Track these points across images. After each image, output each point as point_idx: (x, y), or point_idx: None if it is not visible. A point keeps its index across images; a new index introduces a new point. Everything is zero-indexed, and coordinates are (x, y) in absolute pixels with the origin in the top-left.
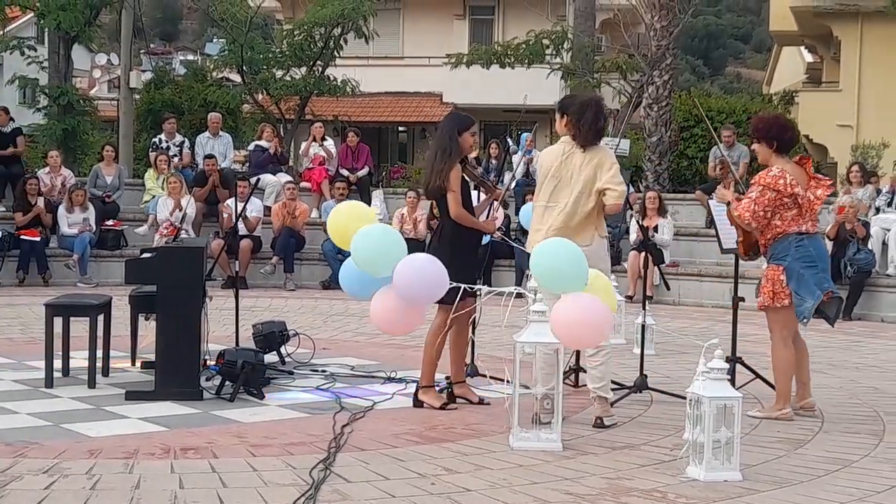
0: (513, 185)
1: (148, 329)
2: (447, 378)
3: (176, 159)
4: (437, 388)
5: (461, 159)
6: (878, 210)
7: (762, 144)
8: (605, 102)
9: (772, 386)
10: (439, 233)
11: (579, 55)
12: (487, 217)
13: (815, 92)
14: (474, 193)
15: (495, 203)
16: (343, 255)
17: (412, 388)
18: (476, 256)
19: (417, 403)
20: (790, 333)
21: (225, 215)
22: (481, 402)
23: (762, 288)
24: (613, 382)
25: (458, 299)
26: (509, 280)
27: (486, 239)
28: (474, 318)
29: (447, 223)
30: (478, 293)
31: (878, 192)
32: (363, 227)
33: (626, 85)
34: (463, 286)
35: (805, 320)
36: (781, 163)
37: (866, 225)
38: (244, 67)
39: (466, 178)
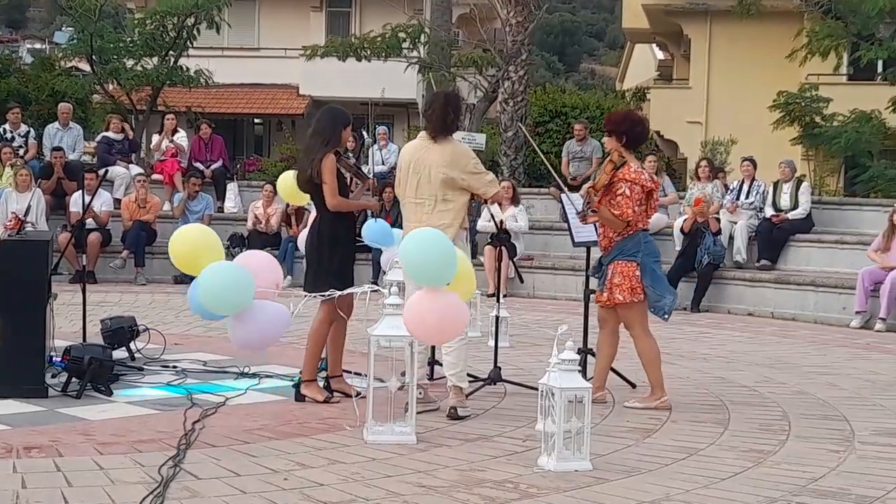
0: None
1: None
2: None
3: (21, 150)
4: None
5: (335, 151)
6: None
7: (612, 138)
8: (460, 96)
9: (620, 376)
10: (316, 228)
11: (435, 49)
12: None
13: (666, 89)
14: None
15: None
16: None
17: (266, 383)
18: (353, 249)
19: (300, 397)
20: (647, 324)
21: (72, 209)
22: (358, 395)
23: (615, 285)
24: (469, 375)
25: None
26: (367, 274)
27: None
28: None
29: (324, 218)
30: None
31: (726, 187)
32: (206, 271)
33: (483, 80)
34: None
35: (667, 316)
36: (632, 159)
37: (718, 220)
38: (94, 57)
39: (342, 169)
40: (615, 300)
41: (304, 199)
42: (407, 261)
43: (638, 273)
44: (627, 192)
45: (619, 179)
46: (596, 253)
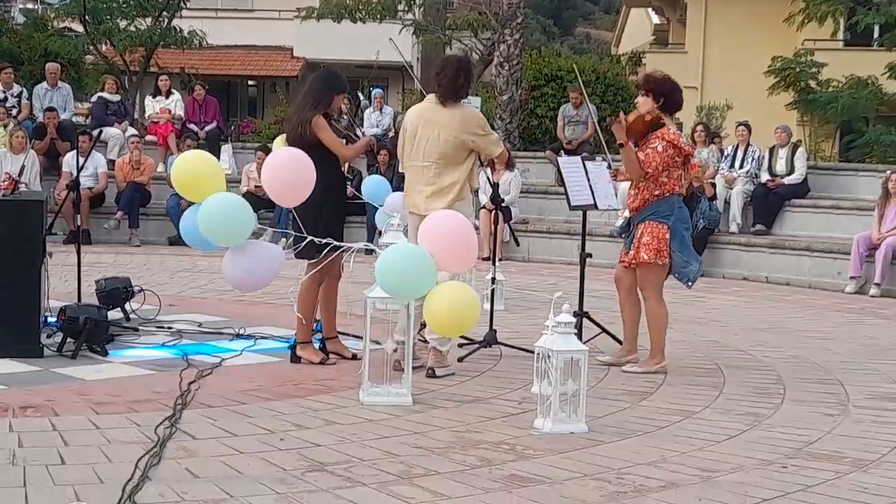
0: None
1: None
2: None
3: (14, 110)
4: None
5: (325, 114)
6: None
7: (649, 97)
8: (472, 62)
9: (616, 340)
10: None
11: (431, 11)
12: None
13: (662, 53)
14: None
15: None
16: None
17: (262, 344)
18: (344, 210)
19: (295, 359)
20: (661, 289)
21: (65, 170)
22: (354, 357)
23: (643, 244)
24: (464, 337)
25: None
26: (361, 237)
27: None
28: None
29: (316, 176)
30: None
31: (721, 151)
32: (209, 199)
33: (478, 43)
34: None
35: (690, 283)
36: (670, 122)
37: (713, 185)
38: (87, 17)
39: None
40: (640, 259)
41: None
42: (382, 276)
43: (668, 236)
44: (660, 148)
45: (657, 136)
46: (592, 217)
